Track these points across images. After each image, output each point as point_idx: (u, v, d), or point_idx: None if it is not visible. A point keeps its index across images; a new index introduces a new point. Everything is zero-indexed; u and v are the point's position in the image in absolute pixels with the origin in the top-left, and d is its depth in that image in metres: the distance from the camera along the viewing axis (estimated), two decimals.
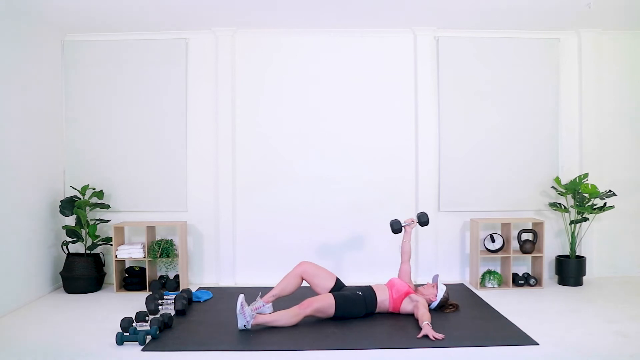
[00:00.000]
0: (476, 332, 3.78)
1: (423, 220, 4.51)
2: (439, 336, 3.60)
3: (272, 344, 3.59)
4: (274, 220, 5.35)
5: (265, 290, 4.36)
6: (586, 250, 5.32)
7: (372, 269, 5.32)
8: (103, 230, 5.30)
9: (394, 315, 4.16)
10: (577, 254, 5.24)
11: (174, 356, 3.38)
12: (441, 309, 4.26)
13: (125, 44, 5.32)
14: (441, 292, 4.22)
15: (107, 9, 4.65)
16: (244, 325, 3.75)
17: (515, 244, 5.21)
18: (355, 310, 4.04)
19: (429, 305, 4.17)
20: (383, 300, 4.14)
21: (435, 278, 4.33)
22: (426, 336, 3.61)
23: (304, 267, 4.23)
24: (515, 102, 5.37)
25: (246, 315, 3.74)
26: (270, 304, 4.15)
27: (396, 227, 4.49)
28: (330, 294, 4.05)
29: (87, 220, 5.02)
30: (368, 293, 4.13)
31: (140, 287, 5.04)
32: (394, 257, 5.35)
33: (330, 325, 3.94)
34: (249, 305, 4.16)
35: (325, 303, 3.95)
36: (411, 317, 4.07)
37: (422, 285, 4.39)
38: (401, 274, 4.44)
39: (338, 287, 4.23)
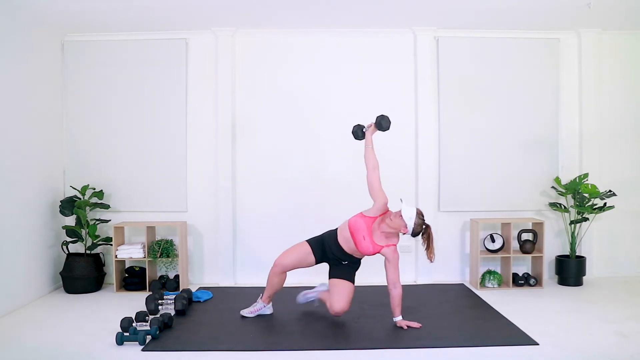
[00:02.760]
0: (476, 332, 3.78)
1: (378, 122, 4.02)
2: (415, 325, 3.66)
3: (272, 344, 3.59)
4: (274, 220, 5.34)
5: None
6: (586, 250, 5.32)
7: (373, 269, 5.31)
8: (103, 230, 5.29)
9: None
10: (577, 254, 5.24)
11: (174, 356, 3.38)
12: (425, 238, 3.88)
13: (125, 44, 5.32)
14: (410, 221, 3.72)
15: (107, 9, 4.65)
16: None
17: (515, 244, 5.21)
18: (332, 245, 3.98)
19: (403, 233, 3.82)
20: (346, 238, 3.92)
21: (401, 206, 3.79)
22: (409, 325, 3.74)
23: (282, 265, 4.03)
24: (515, 102, 5.37)
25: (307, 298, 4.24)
26: (271, 303, 4.18)
27: (355, 131, 4.11)
28: (304, 242, 4.10)
29: (87, 220, 5.02)
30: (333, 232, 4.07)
31: (140, 287, 5.04)
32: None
33: (331, 325, 3.95)
34: (249, 307, 4.19)
35: (300, 252, 4.04)
36: (411, 316, 4.07)
37: (392, 214, 3.85)
38: (370, 188, 4.00)
39: (316, 248, 4.06)
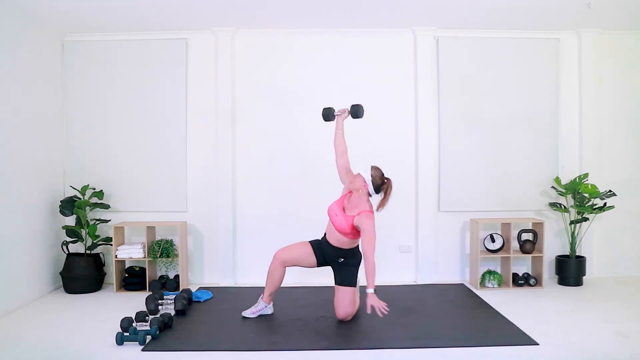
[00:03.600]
0: (476, 332, 3.78)
1: (355, 111, 4.11)
2: (382, 306, 3.59)
3: (272, 344, 3.59)
4: (274, 220, 5.34)
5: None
6: (586, 250, 5.32)
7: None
8: (103, 230, 5.30)
9: (393, 314, 4.16)
10: (577, 254, 5.24)
11: (174, 356, 3.38)
12: (384, 191, 3.94)
13: (125, 44, 5.32)
14: (366, 174, 3.86)
15: (107, 9, 4.65)
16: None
17: (515, 244, 5.21)
18: (325, 244, 4.03)
19: (369, 195, 3.90)
20: (329, 228, 3.99)
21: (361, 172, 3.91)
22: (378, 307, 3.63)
23: (282, 260, 4.06)
24: (515, 102, 5.37)
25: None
26: (271, 303, 4.18)
27: (326, 113, 4.16)
28: (306, 242, 4.11)
29: (87, 220, 5.02)
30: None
31: (140, 287, 5.04)
32: (393, 256, 5.37)
33: (331, 325, 3.95)
34: (249, 308, 4.19)
35: (302, 251, 4.05)
36: (411, 316, 4.07)
37: (353, 177, 3.98)
38: (339, 171, 4.11)
39: (317, 249, 4.09)
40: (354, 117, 4.15)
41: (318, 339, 3.66)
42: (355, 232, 3.91)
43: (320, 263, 4.10)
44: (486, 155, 5.36)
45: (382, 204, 3.96)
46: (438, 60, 5.35)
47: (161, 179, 5.33)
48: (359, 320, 4.05)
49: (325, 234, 4.12)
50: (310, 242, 4.13)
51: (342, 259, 4.03)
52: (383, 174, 3.93)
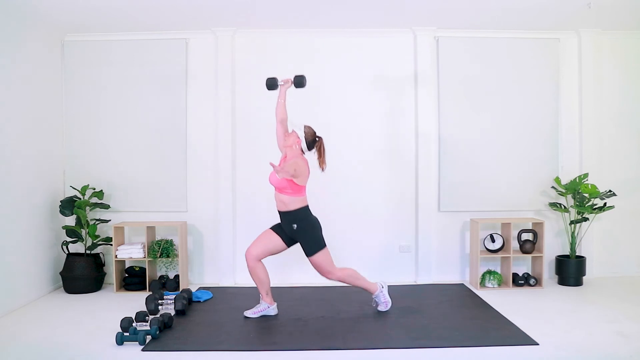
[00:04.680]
0: (476, 332, 3.78)
1: (298, 81, 4.19)
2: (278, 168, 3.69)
3: (272, 344, 3.59)
4: (273, 220, 5.32)
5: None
6: (586, 250, 5.32)
7: (372, 268, 5.33)
8: (103, 230, 5.29)
9: (393, 314, 4.17)
10: (577, 254, 5.24)
11: (174, 356, 3.38)
12: (317, 148, 4.08)
13: (125, 44, 5.32)
14: (299, 130, 4.03)
15: (107, 9, 4.65)
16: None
17: (515, 244, 5.21)
18: (280, 218, 4.12)
19: (303, 152, 4.05)
20: (278, 197, 4.06)
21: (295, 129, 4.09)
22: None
23: (251, 254, 4.09)
24: (515, 102, 5.37)
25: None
26: (275, 304, 4.19)
27: (270, 83, 4.22)
28: (268, 229, 4.19)
29: (87, 220, 5.02)
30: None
31: (140, 287, 5.04)
32: (393, 256, 5.37)
33: (331, 325, 3.95)
34: (250, 308, 4.19)
35: (266, 239, 4.13)
36: (411, 316, 4.07)
37: (286, 135, 4.15)
38: (278, 138, 4.23)
39: (277, 228, 4.17)
40: (297, 87, 4.24)
41: (318, 339, 3.66)
42: (294, 184, 3.94)
43: (287, 240, 4.12)
44: (486, 155, 5.36)
45: (322, 162, 4.10)
46: (438, 60, 5.35)
47: (161, 179, 5.33)
48: (359, 320, 4.06)
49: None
50: (271, 227, 4.18)
51: (295, 225, 4.02)
52: (315, 132, 4.09)
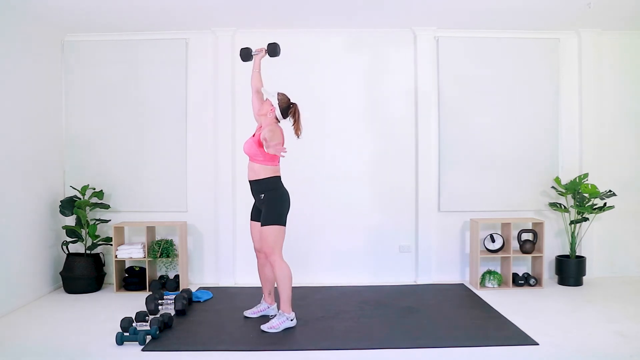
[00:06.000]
0: (476, 332, 3.78)
1: (272, 49, 4.12)
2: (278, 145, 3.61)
3: (272, 344, 3.59)
4: None
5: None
6: (586, 250, 5.32)
7: (372, 268, 5.33)
8: (103, 230, 5.29)
9: (393, 314, 4.16)
10: (577, 254, 5.24)
11: (174, 356, 3.39)
12: (292, 114, 4.02)
13: (125, 44, 5.32)
14: (273, 99, 3.95)
15: (107, 9, 4.64)
16: None
17: (515, 244, 5.21)
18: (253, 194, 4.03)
19: (278, 121, 4.00)
20: (250, 166, 3.96)
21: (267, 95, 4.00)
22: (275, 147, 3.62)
23: (257, 249, 4.09)
24: (515, 102, 5.37)
25: None
26: (275, 304, 4.18)
27: (244, 53, 4.19)
28: (250, 222, 4.12)
29: (87, 220, 5.02)
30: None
31: (140, 287, 5.04)
32: (392, 256, 5.37)
33: (331, 325, 3.95)
34: (250, 308, 4.19)
35: (253, 228, 4.07)
36: (411, 316, 4.07)
37: (260, 104, 4.08)
38: (253, 108, 4.16)
39: (254, 208, 4.11)
40: (271, 56, 4.19)
41: (318, 339, 3.66)
42: (266, 154, 3.84)
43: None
44: (486, 155, 5.36)
45: (297, 129, 4.03)
46: (438, 60, 5.35)
47: (161, 179, 5.33)
48: (359, 320, 4.05)
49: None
50: (250, 217, 4.14)
51: (263, 195, 3.91)
52: (289, 99, 4.02)
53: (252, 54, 4.20)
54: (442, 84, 5.36)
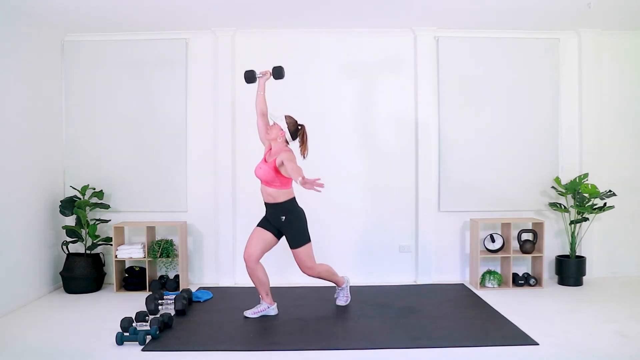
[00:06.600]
0: (476, 332, 3.78)
1: (277, 72, 4.19)
2: (314, 180, 3.48)
3: (272, 344, 3.59)
4: None
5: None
6: (586, 250, 5.32)
7: (372, 268, 5.33)
8: (103, 230, 5.29)
9: (393, 314, 4.17)
10: (577, 254, 5.24)
11: (174, 356, 3.38)
12: (300, 136, 4.12)
13: (125, 44, 5.32)
14: (281, 122, 4.03)
15: (107, 9, 4.65)
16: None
17: (515, 244, 5.21)
18: (266, 210, 4.13)
19: (287, 143, 4.08)
20: (265, 190, 4.04)
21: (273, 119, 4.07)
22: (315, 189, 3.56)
23: (250, 255, 4.06)
24: (515, 102, 5.37)
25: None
26: (275, 304, 4.19)
27: (248, 76, 4.24)
28: (256, 227, 4.17)
29: (87, 220, 5.02)
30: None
31: (140, 287, 5.04)
32: (392, 256, 5.37)
33: (331, 325, 3.95)
34: (250, 308, 4.19)
35: (258, 237, 4.12)
36: (411, 316, 4.07)
37: (268, 129, 4.10)
38: (259, 131, 4.19)
39: (264, 223, 4.17)
40: (276, 78, 4.23)
41: (318, 339, 3.66)
42: (282, 177, 3.94)
43: (276, 234, 4.12)
44: (486, 155, 5.36)
45: (304, 150, 4.13)
46: (438, 60, 5.35)
47: (161, 178, 5.33)
48: (359, 320, 4.06)
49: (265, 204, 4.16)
50: (259, 224, 4.18)
51: (284, 217, 4.04)
52: (297, 121, 4.11)
53: (257, 76, 4.23)
54: (442, 84, 5.36)
